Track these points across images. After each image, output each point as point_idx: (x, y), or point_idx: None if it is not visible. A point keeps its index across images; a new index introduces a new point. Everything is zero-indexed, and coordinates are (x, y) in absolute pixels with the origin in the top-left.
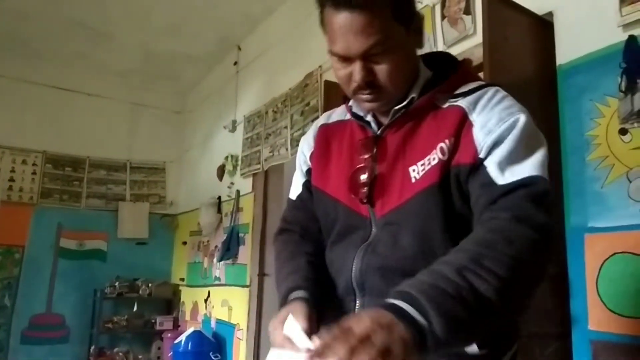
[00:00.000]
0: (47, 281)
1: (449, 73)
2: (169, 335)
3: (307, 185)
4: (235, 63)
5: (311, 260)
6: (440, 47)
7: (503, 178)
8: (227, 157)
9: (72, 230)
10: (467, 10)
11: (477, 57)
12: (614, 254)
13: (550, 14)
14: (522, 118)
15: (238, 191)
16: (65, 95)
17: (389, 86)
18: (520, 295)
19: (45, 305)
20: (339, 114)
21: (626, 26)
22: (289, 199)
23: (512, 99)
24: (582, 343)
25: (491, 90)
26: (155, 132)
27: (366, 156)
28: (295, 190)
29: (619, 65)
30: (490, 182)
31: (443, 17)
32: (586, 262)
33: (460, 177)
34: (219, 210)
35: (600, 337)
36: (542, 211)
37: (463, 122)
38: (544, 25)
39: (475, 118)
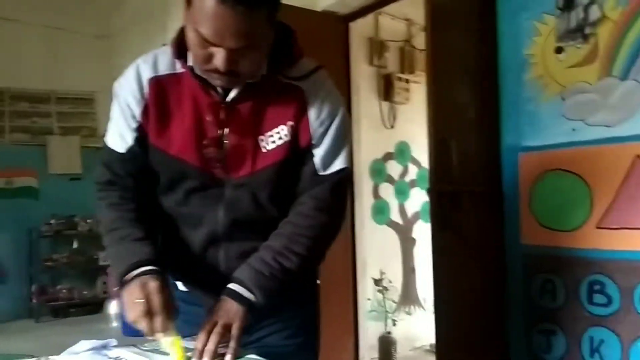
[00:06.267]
0: None
1: (287, 46)
2: None
3: (139, 140)
4: None
5: (143, 218)
6: None
7: (322, 170)
8: None
9: None
10: None
11: None
12: (547, 171)
13: None
14: (341, 112)
15: None
16: None
17: (247, 75)
18: (315, 262)
19: None
20: (166, 64)
21: None
22: (115, 151)
23: (333, 85)
24: (515, 256)
25: (322, 74)
26: (78, 59)
27: (217, 122)
28: (122, 143)
29: None
30: (314, 172)
31: None
32: (520, 180)
33: (298, 157)
34: None
35: (532, 251)
36: (337, 199)
37: (303, 107)
38: None
39: (313, 104)
